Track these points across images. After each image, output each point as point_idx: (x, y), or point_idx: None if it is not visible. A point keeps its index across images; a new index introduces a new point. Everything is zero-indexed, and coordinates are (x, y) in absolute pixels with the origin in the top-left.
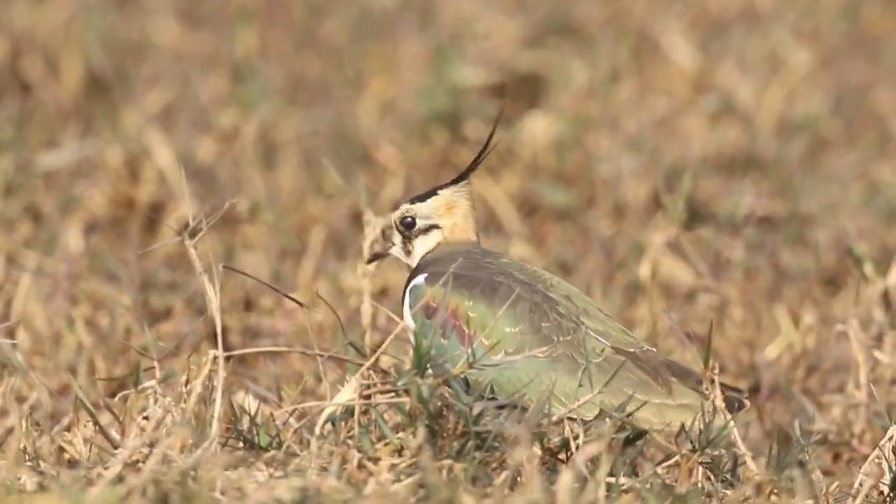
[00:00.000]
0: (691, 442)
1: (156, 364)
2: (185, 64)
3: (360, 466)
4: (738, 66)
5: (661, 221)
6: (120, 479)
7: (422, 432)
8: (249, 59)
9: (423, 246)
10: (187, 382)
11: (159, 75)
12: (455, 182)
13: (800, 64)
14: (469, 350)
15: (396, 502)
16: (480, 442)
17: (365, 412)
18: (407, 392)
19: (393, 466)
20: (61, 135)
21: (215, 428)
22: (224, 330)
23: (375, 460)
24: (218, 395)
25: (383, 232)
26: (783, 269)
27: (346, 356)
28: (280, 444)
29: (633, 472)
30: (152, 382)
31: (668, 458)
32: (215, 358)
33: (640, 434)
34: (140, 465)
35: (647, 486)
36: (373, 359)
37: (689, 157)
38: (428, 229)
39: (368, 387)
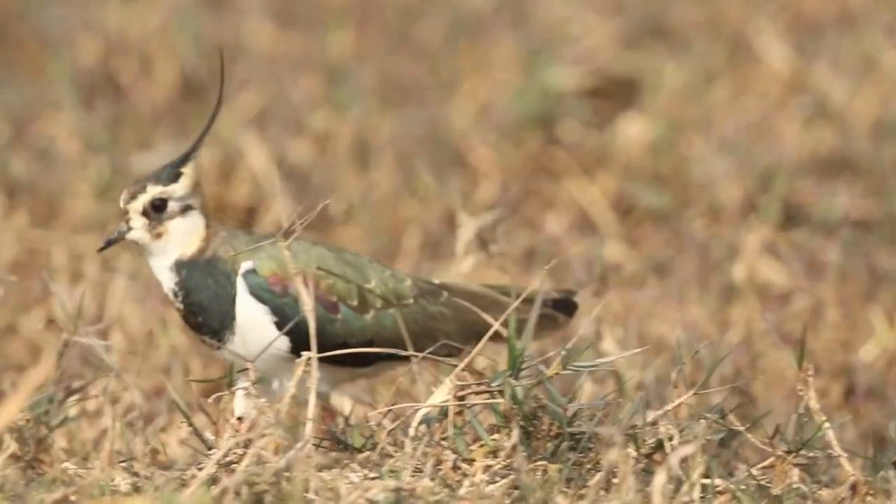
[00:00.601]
0: (786, 443)
1: (250, 365)
2: (279, 66)
3: (455, 468)
4: (832, 68)
5: (756, 223)
6: (213, 480)
7: (516, 433)
8: (343, 61)
9: (182, 228)
10: (281, 384)
11: (253, 77)
12: (189, 157)
13: (894, 65)
14: (339, 315)
15: (491, 503)
16: (575, 443)
17: (459, 413)
18: (501, 393)
19: (487, 468)
20: (154, 137)
21: (309, 429)
22: None
23: (470, 461)
24: (312, 396)
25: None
26: (878, 271)
27: (440, 357)
28: (374, 446)
29: (728, 474)
30: (246, 383)
31: (763, 459)
32: (309, 359)
33: (735, 435)
34: (234, 466)
35: (742, 487)
36: (467, 360)
37: (784, 159)
38: (184, 210)
39: (463, 388)
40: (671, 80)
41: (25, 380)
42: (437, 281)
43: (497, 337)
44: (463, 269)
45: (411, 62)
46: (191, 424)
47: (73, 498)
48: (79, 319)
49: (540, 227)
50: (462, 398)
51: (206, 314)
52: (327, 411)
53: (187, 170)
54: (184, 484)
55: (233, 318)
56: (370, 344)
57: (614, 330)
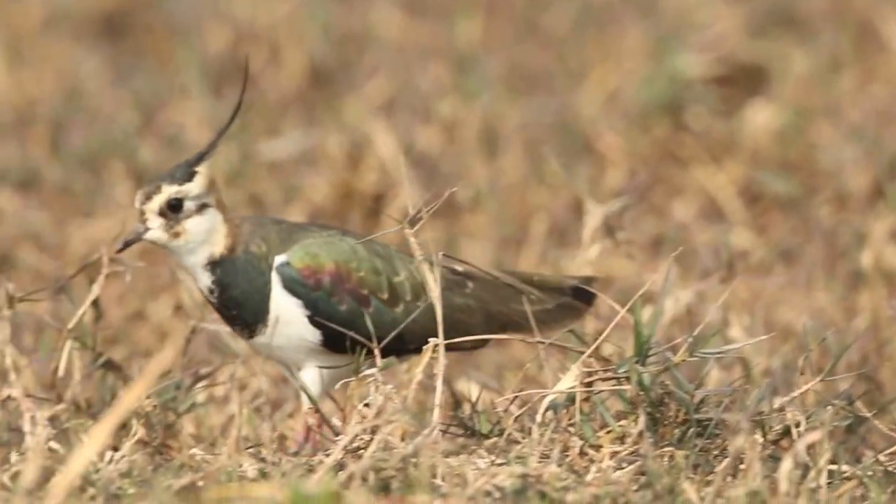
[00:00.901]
0: None
1: (377, 352)
2: (408, 54)
3: (582, 454)
4: None
5: (884, 210)
6: (341, 466)
7: (643, 420)
8: (472, 49)
9: (200, 226)
10: (409, 370)
11: (381, 65)
12: (205, 156)
13: None
14: (370, 309)
15: (618, 489)
16: (701, 429)
17: (586, 399)
18: (628, 379)
19: (614, 454)
20: (282, 124)
21: (436, 415)
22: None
23: (597, 448)
24: (439, 383)
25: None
26: None
27: (567, 344)
28: (501, 432)
29: (855, 460)
30: (374, 370)
31: (890, 445)
32: (436, 346)
33: (862, 421)
34: (361, 452)
35: (869, 473)
36: (594, 346)
37: None
38: (201, 209)
39: (590, 374)
40: (798, 68)
41: (150, 365)
42: (460, 269)
43: (521, 327)
44: (589, 257)
45: (539, 50)
46: (318, 411)
47: (200, 484)
48: (206, 306)
49: (667, 215)
50: (589, 385)
51: (240, 309)
52: (320, 420)
53: (202, 168)
54: (311, 470)
55: (266, 311)
56: (400, 337)
57: (741, 317)
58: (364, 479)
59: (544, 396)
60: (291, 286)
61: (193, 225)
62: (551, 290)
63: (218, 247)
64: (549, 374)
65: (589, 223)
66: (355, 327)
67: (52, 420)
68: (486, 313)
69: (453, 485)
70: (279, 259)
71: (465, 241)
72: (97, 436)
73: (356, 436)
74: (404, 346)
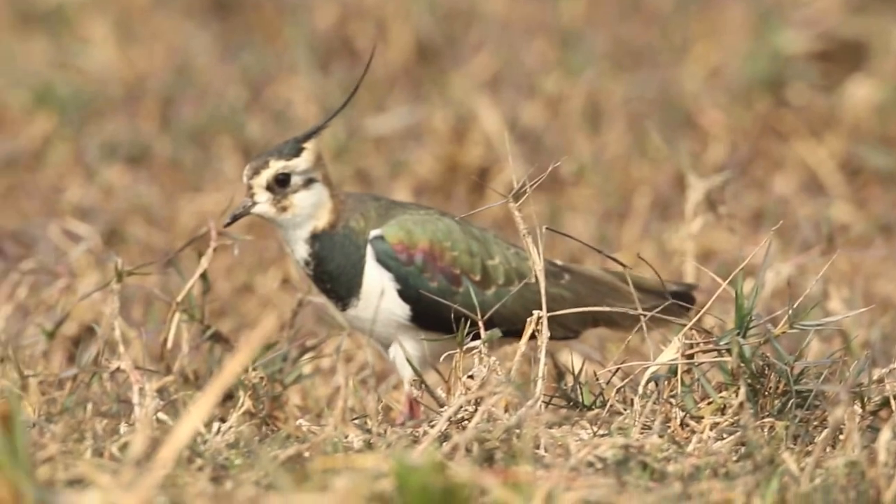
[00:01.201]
0: None
1: (480, 324)
2: (513, 30)
3: (683, 425)
4: None
5: None
6: (445, 437)
7: (743, 391)
8: (576, 26)
9: (307, 200)
10: (512, 342)
11: (486, 41)
12: (314, 133)
13: None
14: (461, 288)
15: (718, 460)
16: (801, 400)
17: (687, 371)
18: (729, 351)
19: (715, 425)
20: (389, 100)
21: (539, 387)
22: None
23: (697, 419)
24: (542, 355)
25: (250, 188)
26: None
27: (669, 316)
28: (604, 403)
29: None
30: (477, 342)
31: None
32: (539, 318)
33: None
34: (465, 423)
35: None
36: (695, 318)
37: None
38: (307, 183)
39: (691, 346)
40: None
41: (253, 335)
42: (559, 262)
43: (615, 324)
44: (692, 230)
45: (642, 26)
46: (423, 382)
47: (306, 454)
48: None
49: (768, 189)
50: (690, 356)
51: (334, 282)
52: (415, 402)
53: (309, 144)
54: (415, 441)
55: (359, 284)
56: (490, 320)
57: (841, 289)
58: (468, 450)
59: (646, 368)
60: (384, 259)
61: (300, 199)
62: (649, 292)
63: (321, 221)
64: (651, 347)
65: (691, 197)
66: (445, 305)
67: (161, 392)
68: (579, 306)
69: (556, 455)
70: (374, 232)
71: (568, 215)
72: (202, 406)
73: (460, 407)
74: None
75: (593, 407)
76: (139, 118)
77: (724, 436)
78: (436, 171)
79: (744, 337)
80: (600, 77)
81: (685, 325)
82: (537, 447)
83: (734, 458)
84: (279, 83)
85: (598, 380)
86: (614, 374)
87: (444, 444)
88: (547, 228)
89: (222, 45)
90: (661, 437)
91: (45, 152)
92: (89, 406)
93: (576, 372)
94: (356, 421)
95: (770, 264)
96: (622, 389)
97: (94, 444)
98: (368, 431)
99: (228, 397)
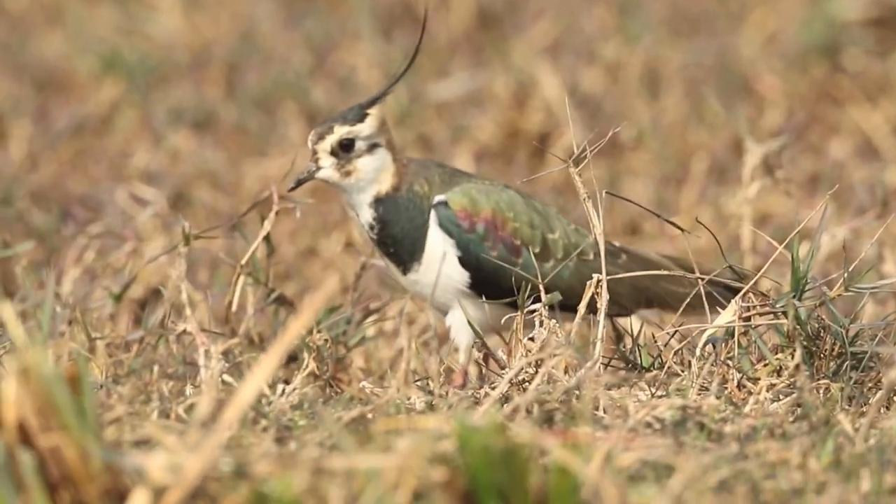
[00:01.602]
0: None
1: (541, 287)
2: None
3: (740, 386)
4: None
5: None
6: (506, 398)
7: (799, 353)
8: None
9: (370, 165)
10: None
11: (547, 8)
12: (378, 99)
13: None
14: (520, 259)
15: (774, 421)
16: (856, 362)
17: (744, 333)
18: (785, 314)
19: (771, 386)
20: (451, 66)
21: (598, 349)
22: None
23: (754, 380)
24: (602, 317)
25: (314, 153)
26: None
27: (726, 279)
28: (662, 365)
29: None
30: (538, 305)
31: None
32: (599, 281)
33: None
34: (525, 385)
35: None
36: (752, 281)
37: None
38: (371, 148)
39: (748, 309)
40: None
41: (315, 296)
42: (617, 244)
43: (668, 305)
44: (749, 194)
45: None
46: (484, 344)
47: (369, 416)
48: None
49: (824, 153)
50: (747, 319)
51: (398, 246)
52: (460, 371)
53: (373, 110)
54: (477, 402)
55: (422, 248)
56: (546, 292)
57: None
58: (528, 412)
59: (704, 330)
60: (446, 224)
61: (364, 164)
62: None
63: (385, 185)
64: (707, 309)
65: (748, 162)
66: (503, 275)
67: (226, 354)
68: (633, 286)
69: (614, 417)
70: (438, 197)
71: (627, 180)
72: (265, 367)
73: (521, 369)
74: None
75: (651, 369)
76: (205, 84)
77: (781, 397)
78: (497, 137)
79: (799, 300)
80: (658, 44)
81: (742, 288)
82: (596, 408)
83: (790, 419)
84: (343, 49)
85: (656, 342)
86: (672, 336)
87: (505, 405)
88: (606, 192)
89: (287, 12)
90: (718, 398)
91: (112, 118)
92: (156, 368)
93: (634, 334)
94: (418, 383)
95: (825, 228)
96: (680, 351)
97: (161, 405)
98: (430, 393)
99: (293, 359)
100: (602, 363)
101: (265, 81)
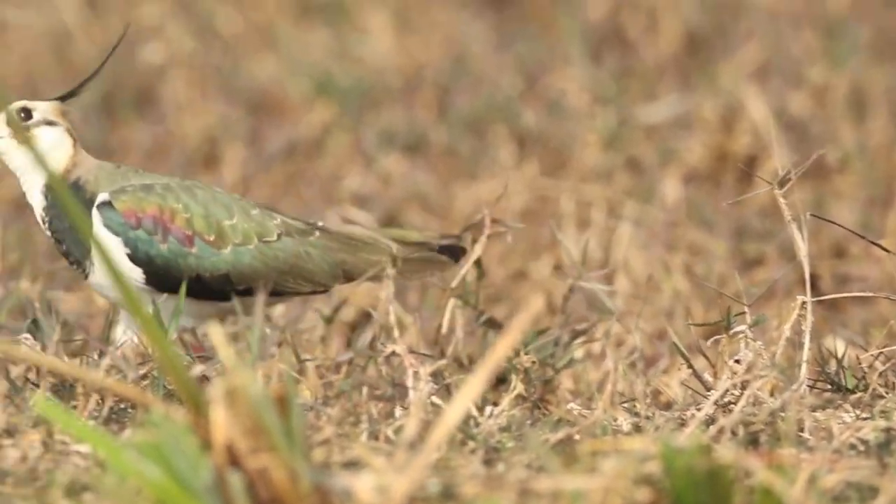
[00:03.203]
0: None
1: (747, 309)
2: (780, 21)
3: None
4: None
5: None
6: (711, 420)
7: None
8: (841, 16)
9: (50, 137)
10: (778, 327)
11: (754, 32)
12: (72, 93)
13: None
14: (194, 249)
15: None
16: None
17: None
18: None
19: None
20: (659, 89)
21: (804, 371)
22: (813, 276)
23: None
24: (806, 339)
25: None
26: None
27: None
28: (866, 387)
29: None
30: (744, 327)
31: None
32: (804, 303)
33: None
34: (731, 406)
35: None
36: None
37: None
38: (50, 125)
39: None
40: None
41: (520, 317)
42: (320, 223)
43: (368, 276)
44: None
45: None
46: (690, 366)
47: (576, 437)
48: (584, 265)
49: None
50: None
51: (67, 243)
52: (195, 343)
53: (55, 101)
54: (682, 424)
55: (89, 248)
56: (226, 278)
57: None
58: (733, 433)
59: None
60: (111, 224)
61: (40, 133)
62: (414, 245)
63: (57, 167)
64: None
65: None
66: (178, 267)
67: (435, 375)
68: (328, 261)
69: (819, 438)
70: (101, 196)
71: (833, 202)
72: (473, 388)
73: (726, 391)
74: (231, 287)
75: (856, 390)
76: (416, 107)
77: None
78: (704, 160)
79: None
80: (865, 66)
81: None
82: (801, 430)
83: None
84: (553, 73)
85: (860, 364)
86: (877, 357)
87: (711, 427)
88: (811, 215)
89: (497, 35)
90: None
91: (324, 141)
92: (364, 390)
93: (839, 356)
94: (625, 404)
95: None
96: (884, 373)
97: (369, 426)
98: (636, 415)
99: (501, 381)
100: (807, 385)
101: (476, 104)
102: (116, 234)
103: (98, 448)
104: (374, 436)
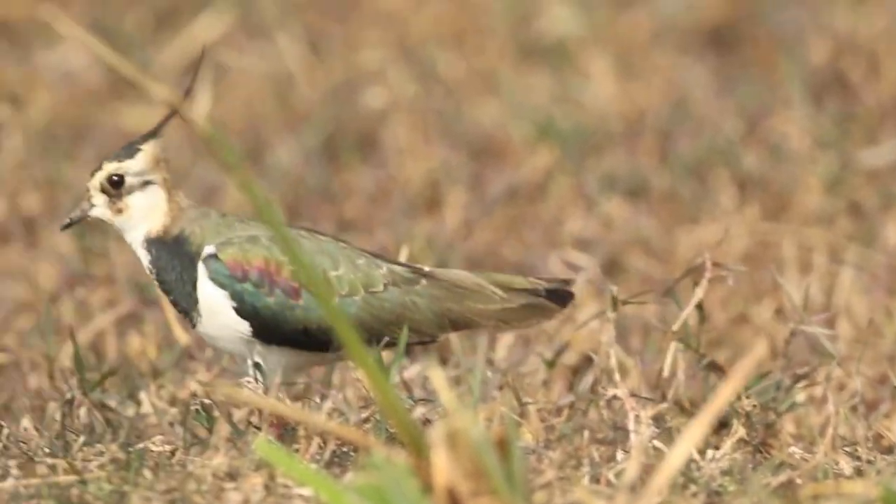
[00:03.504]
0: None
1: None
2: None
3: None
4: None
5: None
6: None
7: None
8: None
9: (144, 201)
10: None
11: None
12: (152, 135)
13: None
14: (301, 301)
15: None
16: None
17: None
18: None
19: None
20: (881, 133)
21: None
22: None
23: None
24: None
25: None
26: None
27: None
28: None
29: None
30: None
31: None
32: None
33: None
34: None
35: None
36: None
37: None
38: (144, 185)
39: None
40: None
41: (743, 362)
42: (426, 269)
43: (476, 325)
44: None
45: None
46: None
47: (797, 481)
48: (805, 309)
49: None
50: None
51: (174, 294)
52: (276, 419)
53: (146, 146)
54: None
55: (196, 300)
56: (332, 330)
57: None
58: None
59: None
60: (217, 277)
61: (134, 201)
62: (520, 291)
63: (156, 225)
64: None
65: None
66: (284, 319)
67: (656, 419)
68: (434, 311)
69: None
70: (207, 249)
71: None
72: (695, 432)
73: None
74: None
75: None
76: (638, 151)
77: None
78: None
79: None
80: None
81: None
82: None
83: None
84: (774, 116)
85: None
86: None
87: None
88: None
89: (719, 79)
90: None
91: (546, 185)
92: (586, 433)
93: None
94: (846, 448)
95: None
96: None
97: (591, 470)
98: (858, 458)
99: (723, 425)
100: None
101: (697, 148)
102: (223, 287)
103: (320, 491)
104: (595, 479)
